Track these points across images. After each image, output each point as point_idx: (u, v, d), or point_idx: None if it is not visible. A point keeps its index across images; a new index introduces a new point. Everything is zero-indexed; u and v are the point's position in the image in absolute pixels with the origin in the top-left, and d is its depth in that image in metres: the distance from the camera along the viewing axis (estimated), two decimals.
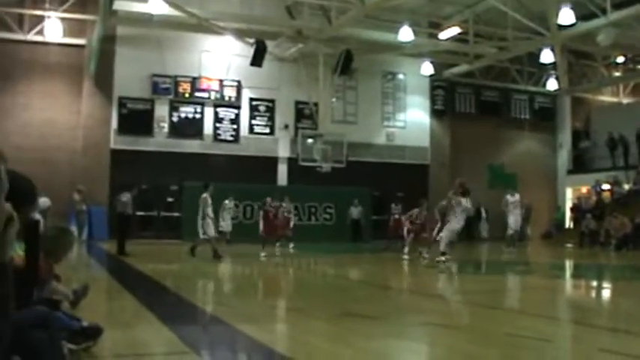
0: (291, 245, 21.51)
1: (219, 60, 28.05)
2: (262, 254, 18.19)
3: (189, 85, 27.47)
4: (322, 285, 12.64)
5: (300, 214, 27.82)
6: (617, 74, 35.32)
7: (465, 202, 15.06)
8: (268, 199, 19.81)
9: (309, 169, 26.42)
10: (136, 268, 14.12)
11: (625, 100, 36.44)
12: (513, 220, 22.57)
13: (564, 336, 7.09)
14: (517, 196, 22.86)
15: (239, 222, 26.34)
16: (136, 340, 6.32)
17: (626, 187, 29.48)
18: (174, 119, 27.42)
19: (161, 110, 27.24)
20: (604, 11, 23.41)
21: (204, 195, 17.16)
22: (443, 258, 14.70)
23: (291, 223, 22.08)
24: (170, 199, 27.00)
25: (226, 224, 20.56)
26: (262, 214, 19.60)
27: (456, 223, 15.01)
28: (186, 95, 27.44)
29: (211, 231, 17.01)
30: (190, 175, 26.19)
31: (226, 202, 20.63)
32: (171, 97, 27.27)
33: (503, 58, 30.55)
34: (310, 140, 27.37)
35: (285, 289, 11.83)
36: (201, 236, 17.09)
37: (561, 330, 7.46)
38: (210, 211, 16.96)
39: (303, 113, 29.33)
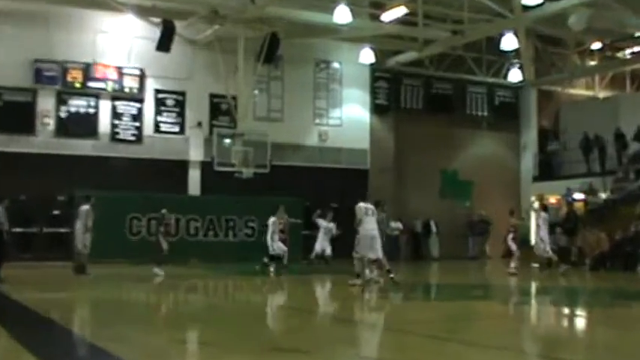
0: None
1: (118, 43, 27.66)
2: (157, 270, 19.38)
3: (80, 72, 26.97)
4: (244, 313, 12.63)
5: (215, 229, 27.71)
6: (593, 63, 35.87)
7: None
8: (164, 211, 20.72)
9: (226, 176, 26.28)
10: (12, 298, 13.84)
11: (601, 94, 37.06)
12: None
13: None
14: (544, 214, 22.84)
15: (141, 238, 26.27)
16: None
17: (603, 196, 29.93)
18: (63, 114, 26.88)
19: (46, 103, 26.72)
20: None
21: (86, 207, 18.78)
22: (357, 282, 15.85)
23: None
24: (56, 212, 26.32)
25: (278, 246, 21.38)
26: (163, 230, 20.61)
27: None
28: (78, 85, 26.95)
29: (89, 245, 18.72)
30: (82, 182, 25.62)
31: (272, 219, 21.45)
32: (58, 87, 26.75)
33: (457, 44, 30.87)
34: (228, 141, 27.26)
35: (198, 319, 11.78)
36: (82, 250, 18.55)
37: None
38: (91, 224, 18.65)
39: (220, 108, 29.17)
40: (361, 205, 16.31)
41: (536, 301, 16.11)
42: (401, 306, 14.20)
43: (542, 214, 22.12)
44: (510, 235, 22.23)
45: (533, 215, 32.60)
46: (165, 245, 20.61)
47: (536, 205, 22.62)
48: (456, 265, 28.40)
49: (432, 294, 17.65)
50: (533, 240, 23.98)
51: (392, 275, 16.18)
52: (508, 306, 14.05)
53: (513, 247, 21.96)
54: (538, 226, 22.07)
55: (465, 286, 18.15)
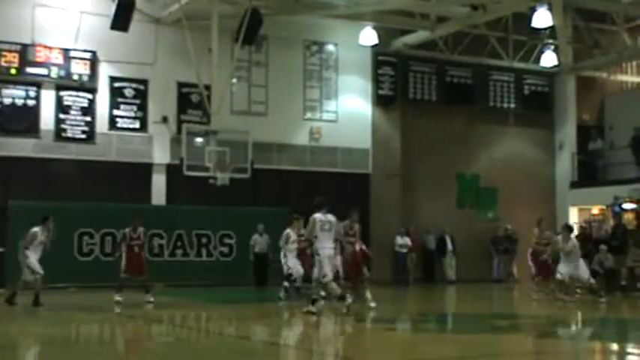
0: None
1: (64, 20, 27.44)
2: (117, 298, 19.86)
3: (16, 56, 26.67)
4: (216, 350, 12.54)
5: (185, 246, 27.53)
6: None
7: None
8: (127, 230, 20.74)
9: (198, 182, 26.04)
10: None
11: None
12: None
13: None
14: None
15: (94, 258, 26.20)
16: None
17: None
18: None
19: None
20: None
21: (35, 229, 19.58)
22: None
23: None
24: None
25: (294, 263, 21.30)
26: (125, 248, 20.66)
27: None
28: (13, 72, 26.65)
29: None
30: (20, 189, 25.77)
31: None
32: None
33: (478, 22, 30.74)
34: (200, 140, 27.08)
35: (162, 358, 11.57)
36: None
37: None
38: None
39: (190, 100, 29.05)
40: (317, 216, 16.70)
41: (576, 334, 15.89)
42: (411, 339, 14.08)
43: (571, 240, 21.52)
44: (529, 250, 21.88)
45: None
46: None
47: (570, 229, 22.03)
48: (477, 289, 28.18)
49: (448, 325, 17.37)
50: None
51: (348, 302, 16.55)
52: (541, 340, 13.71)
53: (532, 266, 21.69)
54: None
55: (488, 316, 17.91)
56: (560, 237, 21.58)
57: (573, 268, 20.91)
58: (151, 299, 20.31)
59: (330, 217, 16.78)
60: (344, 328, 15.63)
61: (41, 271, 19.62)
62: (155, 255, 26.63)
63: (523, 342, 13.57)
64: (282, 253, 21.58)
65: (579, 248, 21.36)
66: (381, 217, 30.95)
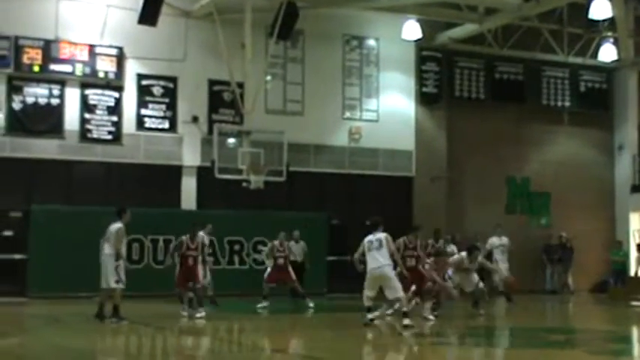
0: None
1: (89, 14, 27.55)
2: (197, 314, 19.67)
3: (39, 52, 26.81)
4: None
5: (216, 253, 27.29)
6: None
7: None
8: (184, 238, 20.40)
9: (230, 185, 26.04)
10: None
11: None
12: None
13: None
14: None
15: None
16: None
17: None
18: (17, 106, 26.75)
19: None
20: None
21: (118, 225, 18.28)
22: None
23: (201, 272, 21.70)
24: (8, 233, 26.31)
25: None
26: (179, 260, 20.49)
27: None
28: (36, 69, 26.78)
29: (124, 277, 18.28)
30: (43, 193, 25.88)
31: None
32: (10, 71, 26.64)
33: (530, 14, 30.46)
34: (232, 140, 27.10)
35: None
36: (113, 285, 18.07)
37: None
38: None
39: (222, 99, 29.06)
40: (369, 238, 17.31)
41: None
42: (461, 354, 14.00)
43: None
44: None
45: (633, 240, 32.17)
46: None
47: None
48: (529, 301, 27.87)
49: (500, 339, 17.13)
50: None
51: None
52: (600, 357, 13.44)
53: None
54: None
55: (541, 330, 17.61)
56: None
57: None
58: (201, 314, 19.81)
59: (379, 235, 17.11)
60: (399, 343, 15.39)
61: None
62: None
63: (579, 358, 13.36)
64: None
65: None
66: (425, 223, 30.57)
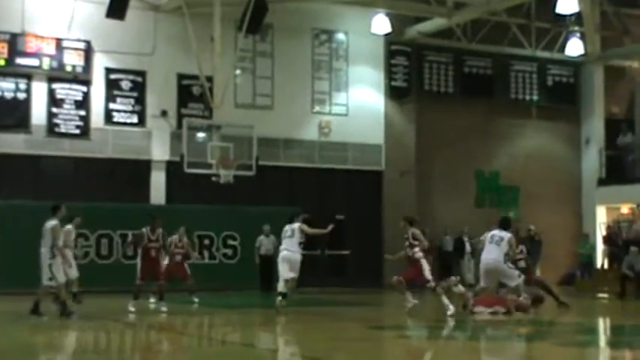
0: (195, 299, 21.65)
1: (56, 7, 27.48)
2: (131, 308, 19.35)
3: (5, 46, 26.74)
4: (219, 359, 12.62)
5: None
6: None
7: None
8: (145, 230, 20.43)
9: (199, 179, 26.14)
10: None
11: None
12: None
13: None
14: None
15: (90, 261, 26.20)
16: None
17: None
18: None
19: None
20: None
21: (54, 222, 17.89)
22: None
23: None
24: None
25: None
26: (141, 252, 20.46)
27: None
28: (2, 63, 26.76)
29: (61, 275, 17.89)
30: (9, 188, 25.92)
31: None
32: None
33: (498, 9, 30.63)
34: (201, 135, 27.11)
35: None
36: (46, 283, 17.73)
37: None
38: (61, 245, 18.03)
39: (191, 93, 29.09)
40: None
41: (608, 342, 15.76)
42: (422, 347, 13.72)
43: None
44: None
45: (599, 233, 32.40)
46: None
47: None
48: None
49: (470, 332, 17.15)
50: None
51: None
52: (568, 349, 13.55)
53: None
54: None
55: (509, 322, 17.69)
56: None
57: None
58: (164, 308, 20.04)
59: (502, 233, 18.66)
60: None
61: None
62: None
63: (547, 350, 13.41)
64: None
65: None
66: (395, 217, 30.65)
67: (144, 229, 20.43)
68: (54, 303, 18.30)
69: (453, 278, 19.54)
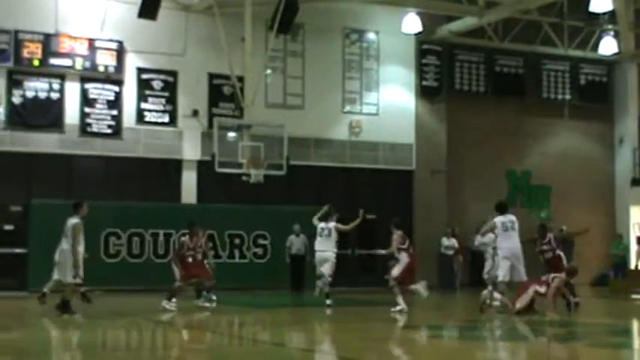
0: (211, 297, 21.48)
1: (89, 8, 27.55)
2: (168, 305, 19.66)
3: (39, 46, 26.82)
4: (249, 358, 12.62)
5: (216, 247, 27.33)
6: None
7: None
8: (185, 239, 20.89)
9: (230, 179, 26.10)
10: None
11: None
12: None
13: None
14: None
15: (121, 259, 26.41)
16: None
17: None
18: (16, 100, 26.80)
19: None
20: None
21: (75, 220, 17.95)
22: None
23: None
24: (8, 227, 26.50)
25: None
26: (181, 259, 20.66)
27: None
28: (36, 63, 26.82)
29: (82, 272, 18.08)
30: (43, 187, 25.98)
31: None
32: (10, 65, 26.68)
33: (530, 7, 30.50)
34: (232, 134, 27.13)
35: None
36: (71, 280, 17.88)
37: None
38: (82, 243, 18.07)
39: (222, 93, 29.12)
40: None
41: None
42: (461, 348, 13.88)
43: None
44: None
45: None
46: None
47: None
48: None
49: (501, 332, 17.09)
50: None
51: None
52: (601, 350, 13.47)
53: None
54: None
55: (542, 323, 17.57)
56: None
57: None
58: (207, 304, 20.40)
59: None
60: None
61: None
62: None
63: (579, 351, 13.39)
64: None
65: None
66: (426, 216, 30.80)
67: (183, 239, 20.86)
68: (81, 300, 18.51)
69: (485, 293, 19.33)
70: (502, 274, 18.81)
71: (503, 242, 18.94)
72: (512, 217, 18.87)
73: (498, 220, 18.98)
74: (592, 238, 32.37)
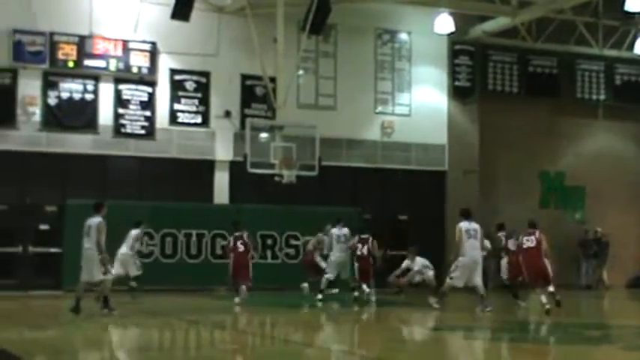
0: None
1: (122, 10, 27.72)
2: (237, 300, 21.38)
3: (74, 47, 27.03)
4: (281, 358, 12.65)
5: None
6: None
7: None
8: (231, 239, 22.64)
9: (262, 179, 26.21)
10: None
11: None
12: None
13: None
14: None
15: (154, 260, 26.41)
16: None
17: None
18: (51, 101, 26.97)
19: (29, 88, 26.77)
20: None
21: (98, 219, 18.44)
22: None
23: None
24: (44, 227, 26.64)
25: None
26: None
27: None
28: (70, 64, 27.03)
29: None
30: (77, 187, 26.05)
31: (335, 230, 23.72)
32: (45, 66, 26.85)
33: (564, 6, 30.36)
34: (264, 135, 27.19)
35: None
36: (100, 277, 18.16)
37: None
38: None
39: (254, 93, 29.18)
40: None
41: None
42: (493, 349, 13.86)
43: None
44: None
45: None
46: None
47: None
48: (564, 296, 27.66)
49: (535, 335, 17.11)
50: None
51: None
52: (636, 353, 13.42)
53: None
54: None
55: (576, 325, 17.55)
56: None
57: None
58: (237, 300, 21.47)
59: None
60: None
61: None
62: (217, 257, 26.77)
63: (613, 354, 13.35)
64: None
65: None
66: (458, 217, 30.70)
67: (230, 238, 22.18)
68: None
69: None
70: (457, 280, 19.28)
71: (466, 250, 19.14)
72: (476, 226, 19.43)
73: (463, 226, 19.11)
74: (627, 239, 32.36)
